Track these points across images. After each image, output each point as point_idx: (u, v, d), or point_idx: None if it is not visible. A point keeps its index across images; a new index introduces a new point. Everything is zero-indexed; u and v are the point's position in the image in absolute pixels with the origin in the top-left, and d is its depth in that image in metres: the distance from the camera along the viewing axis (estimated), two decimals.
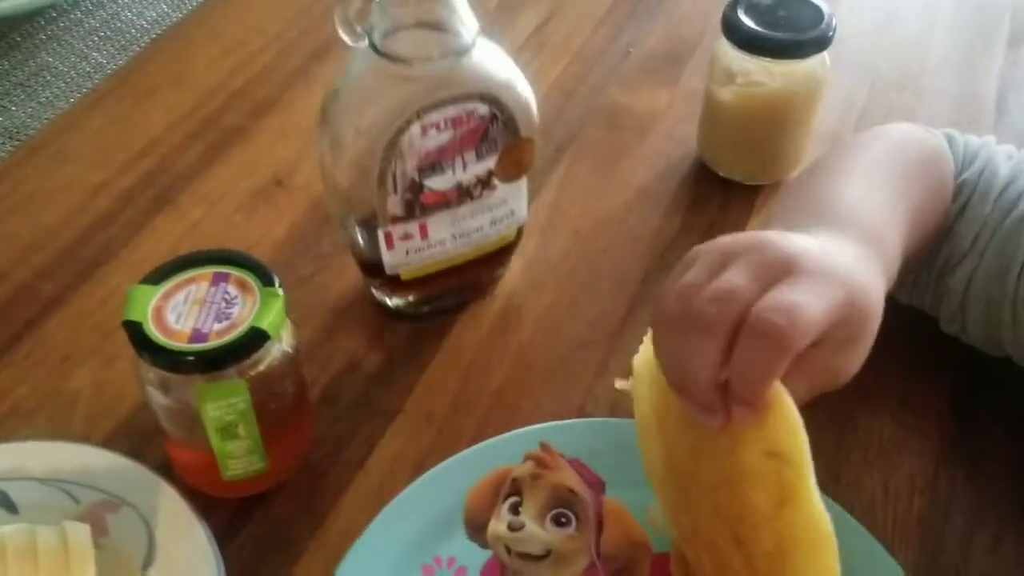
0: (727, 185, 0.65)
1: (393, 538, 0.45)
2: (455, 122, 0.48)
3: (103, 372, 0.55)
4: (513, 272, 0.60)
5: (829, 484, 0.48)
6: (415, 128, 0.47)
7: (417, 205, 0.50)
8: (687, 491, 0.39)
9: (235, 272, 0.44)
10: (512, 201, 0.54)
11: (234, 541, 0.47)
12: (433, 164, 0.49)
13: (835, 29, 0.59)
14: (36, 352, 0.56)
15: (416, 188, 0.49)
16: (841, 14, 0.61)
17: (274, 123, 0.71)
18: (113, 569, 0.43)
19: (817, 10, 0.60)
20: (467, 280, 0.57)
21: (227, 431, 0.43)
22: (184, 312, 0.43)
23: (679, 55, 0.77)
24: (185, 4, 0.82)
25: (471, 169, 0.50)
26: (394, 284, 0.54)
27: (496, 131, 0.50)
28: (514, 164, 0.52)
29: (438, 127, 0.48)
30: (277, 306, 0.43)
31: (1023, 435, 0.52)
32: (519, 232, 0.57)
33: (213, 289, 0.44)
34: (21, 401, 0.53)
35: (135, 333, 0.42)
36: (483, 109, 0.48)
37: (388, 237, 0.51)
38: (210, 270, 0.44)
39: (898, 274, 0.46)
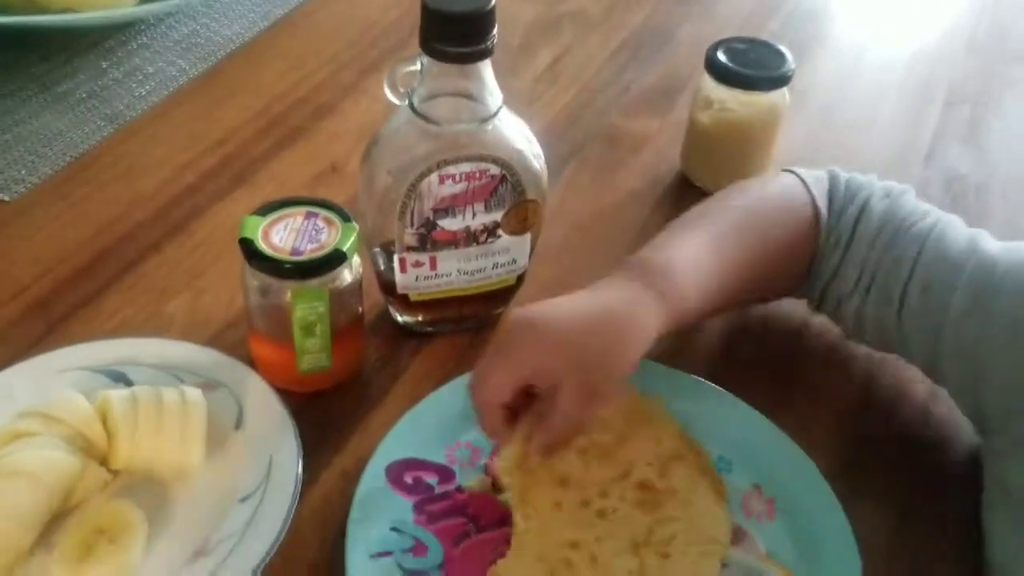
0: (701, 192, 0.79)
1: (422, 426, 0.58)
2: (469, 176, 0.57)
3: (194, 302, 0.68)
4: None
5: None
6: (434, 176, 0.57)
7: (429, 240, 0.60)
8: None
9: (322, 212, 0.58)
10: (515, 251, 0.63)
11: (301, 423, 0.59)
12: (447, 208, 0.58)
13: (793, 71, 0.74)
14: (138, 285, 0.69)
15: (430, 225, 0.59)
16: (811, 67, 0.76)
17: (330, 125, 0.85)
18: (213, 426, 0.56)
19: (781, 56, 0.75)
20: (469, 312, 0.66)
21: (308, 329, 0.57)
22: (284, 236, 0.56)
23: (671, 91, 0.92)
24: (256, 25, 0.97)
25: (479, 218, 0.60)
26: (405, 303, 0.64)
27: (505, 190, 0.59)
28: (519, 221, 0.61)
29: (454, 179, 0.57)
30: (353, 237, 0.57)
31: None
32: (519, 279, 0.66)
33: (306, 222, 0.57)
34: (128, 319, 0.66)
35: (248, 247, 0.56)
36: (495, 170, 0.58)
37: (402, 262, 0.61)
38: (304, 209, 0.58)
39: (743, 297, 0.62)
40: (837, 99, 0.94)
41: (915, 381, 0.65)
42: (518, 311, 0.54)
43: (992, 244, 0.58)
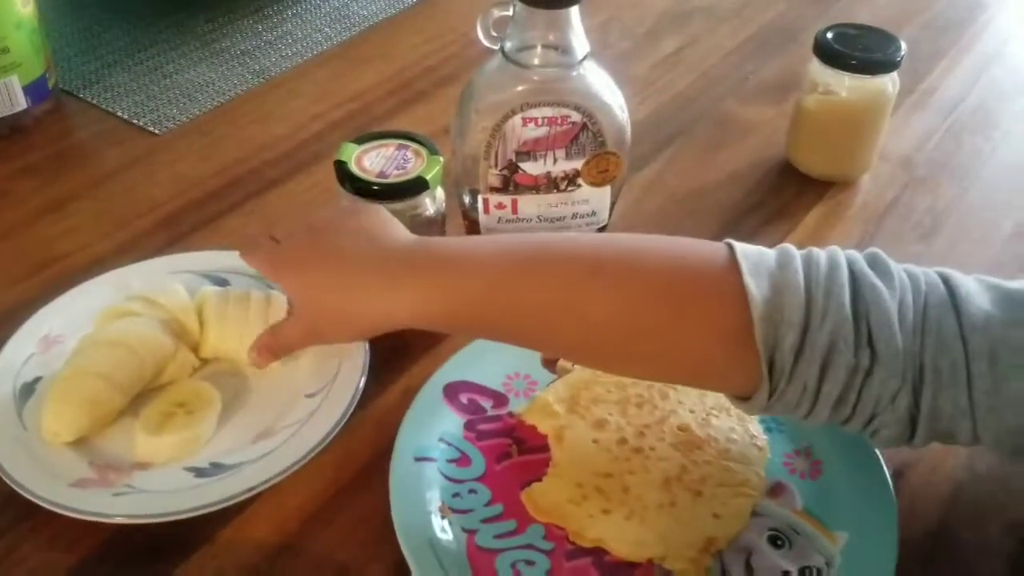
0: (803, 178, 0.80)
1: (485, 354, 0.60)
2: (551, 121, 0.60)
3: None
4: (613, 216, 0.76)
5: None
6: (517, 118, 0.60)
7: (512, 182, 0.63)
8: None
9: (413, 144, 0.63)
10: (594, 203, 0.65)
11: (374, 341, 0.64)
12: (529, 151, 0.61)
13: (903, 56, 0.73)
14: (256, 212, 0.76)
15: (512, 167, 0.62)
16: (942, 64, 0.74)
17: (453, 92, 0.89)
18: None
19: (893, 41, 0.74)
20: None
21: None
22: (375, 162, 0.61)
23: (790, 84, 0.91)
24: (397, 4, 1.03)
25: (560, 165, 0.62)
26: None
27: (586, 138, 0.61)
28: (599, 172, 0.63)
29: (536, 122, 0.60)
30: (437, 168, 0.61)
31: None
32: (601, 231, 0.67)
33: (397, 152, 0.62)
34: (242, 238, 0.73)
35: (341, 168, 0.61)
36: (575, 116, 0.60)
37: (486, 203, 0.64)
38: (397, 141, 0.63)
39: None
40: (960, 98, 0.91)
41: None
42: (318, 221, 0.57)
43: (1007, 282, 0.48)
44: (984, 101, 0.91)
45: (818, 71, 0.75)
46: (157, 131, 0.84)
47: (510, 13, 0.60)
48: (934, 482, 0.57)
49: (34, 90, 0.82)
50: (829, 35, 0.75)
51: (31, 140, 0.82)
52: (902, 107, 0.89)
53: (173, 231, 0.73)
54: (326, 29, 0.99)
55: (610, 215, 0.68)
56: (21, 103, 0.81)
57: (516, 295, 0.50)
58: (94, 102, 0.87)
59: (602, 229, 0.68)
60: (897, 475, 0.56)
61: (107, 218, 0.74)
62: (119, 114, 0.86)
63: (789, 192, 0.79)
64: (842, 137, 0.77)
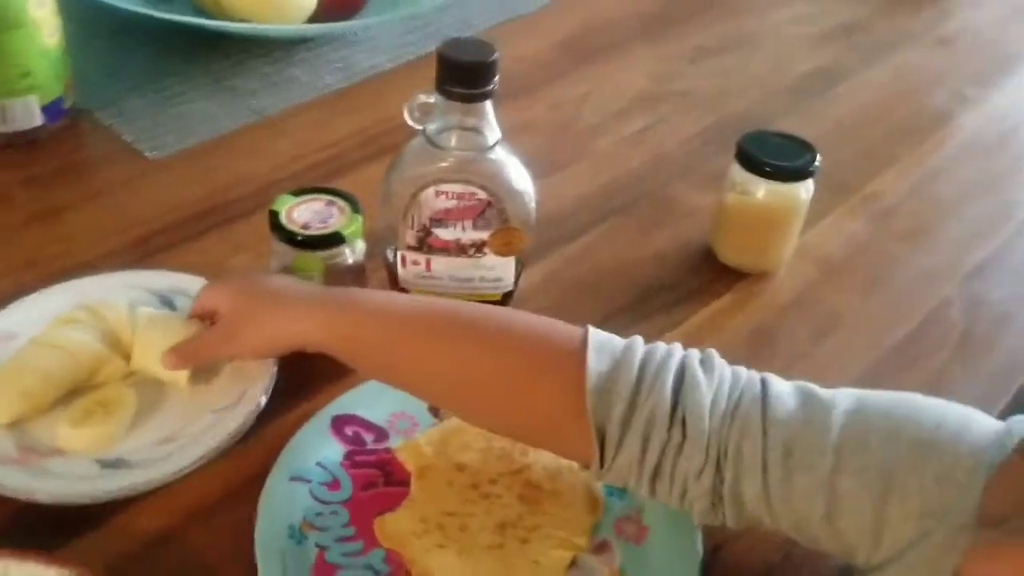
0: (721, 267, 0.86)
1: (377, 393, 0.66)
2: (460, 196, 0.68)
3: (255, 261, 0.82)
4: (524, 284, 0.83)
5: None
6: (431, 190, 0.68)
7: (426, 244, 0.71)
8: None
9: (340, 201, 0.71)
10: (500, 270, 0.73)
11: (287, 369, 0.72)
12: (441, 219, 0.69)
13: (816, 168, 0.80)
14: (222, 239, 0.84)
15: (426, 231, 0.70)
16: (893, 169, 0.87)
17: None
18: None
19: (810, 151, 0.81)
20: None
21: None
22: (303, 214, 0.70)
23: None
24: (397, 59, 1.12)
25: (469, 233, 0.70)
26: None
27: (491, 214, 0.69)
28: (504, 244, 0.71)
29: (447, 195, 0.68)
30: (356, 225, 0.69)
31: None
32: (506, 295, 0.75)
33: (324, 207, 0.71)
34: (201, 263, 0.81)
35: (273, 217, 0.70)
36: (482, 194, 0.68)
37: (403, 259, 0.72)
38: (327, 197, 0.72)
39: None
40: (899, 209, 0.97)
41: None
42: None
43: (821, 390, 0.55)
44: (920, 212, 0.97)
45: (737, 172, 0.82)
46: (153, 156, 0.94)
47: (432, 100, 0.69)
48: (748, 561, 0.63)
49: (50, 109, 0.92)
50: (750, 141, 0.81)
51: (40, 153, 0.92)
52: (839, 207, 0.95)
53: (145, 248, 0.83)
54: (327, 77, 1.09)
55: (516, 282, 0.75)
56: (37, 120, 0.92)
57: (396, 337, 0.61)
58: (106, 123, 0.97)
59: (508, 294, 0.76)
60: (716, 549, 0.62)
61: (90, 231, 0.84)
62: (124, 137, 0.96)
63: (705, 277, 0.85)
64: (756, 234, 0.84)
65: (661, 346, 0.56)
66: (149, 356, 0.67)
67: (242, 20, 1.06)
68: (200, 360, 0.68)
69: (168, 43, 1.10)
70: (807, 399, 0.54)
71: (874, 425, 0.52)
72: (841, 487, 0.51)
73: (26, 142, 0.92)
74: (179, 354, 0.66)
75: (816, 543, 0.54)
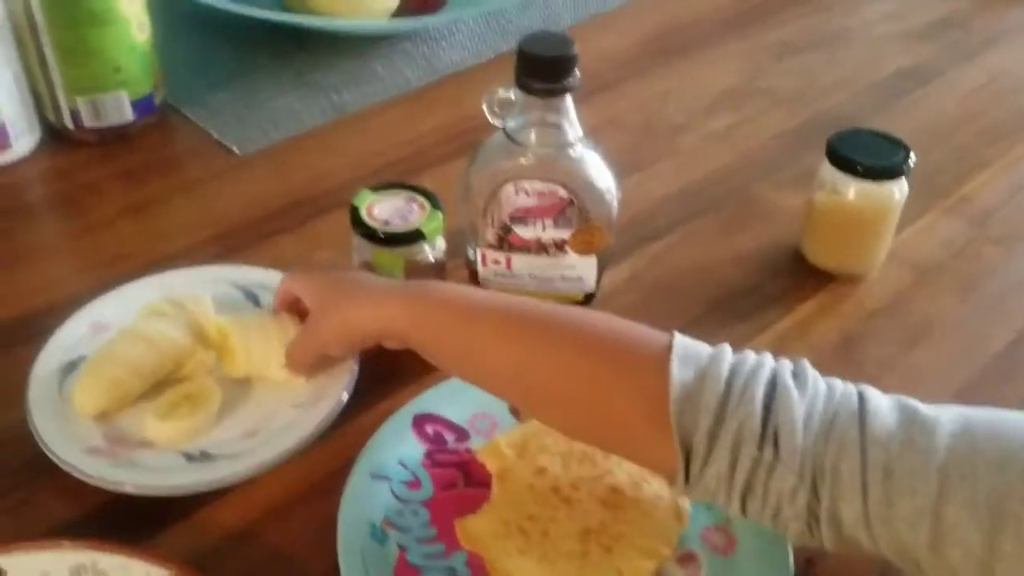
0: (809, 268, 0.83)
1: (459, 393, 0.65)
2: (539, 194, 0.68)
3: (339, 256, 0.83)
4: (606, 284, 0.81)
5: None
6: (510, 187, 0.68)
7: (506, 242, 0.71)
8: None
9: (420, 198, 0.71)
10: (581, 269, 0.72)
11: (369, 366, 0.71)
12: (521, 217, 0.69)
13: (910, 166, 0.77)
14: (306, 235, 0.85)
15: (506, 229, 0.70)
16: (985, 173, 0.82)
17: None
18: None
19: (903, 149, 0.78)
20: None
21: None
22: (384, 210, 0.70)
23: None
24: (479, 56, 1.12)
25: (549, 232, 0.70)
26: None
27: (572, 212, 0.68)
28: (584, 242, 0.70)
29: (527, 193, 0.68)
30: (436, 222, 0.69)
31: None
32: (587, 297, 0.74)
33: (404, 204, 0.71)
34: (285, 257, 0.82)
35: (353, 213, 0.69)
36: (563, 192, 0.68)
37: (483, 257, 0.72)
38: (407, 193, 0.71)
39: None
40: (996, 214, 0.93)
41: None
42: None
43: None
44: (1016, 216, 0.93)
45: (828, 171, 0.79)
46: (237, 151, 0.95)
47: (510, 95, 0.68)
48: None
49: (141, 104, 0.94)
50: (841, 139, 0.79)
51: (131, 148, 0.94)
52: (933, 210, 0.92)
53: (229, 243, 0.84)
54: (409, 74, 1.09)
55: (598, 282, 0.74)
56: (128, 115, 0.94)
57: (471, 327, 0.59)
58: (193, 119, 0.99)
59: (590, 296, 0.75)
60: (808, 564, 0.60)
61: (178, 225, 0.86)
62: (211, 132, 0.97)
63: (790, 280, 0.83)
64: (846, 235, 0.81)
65: (751, 356, 0.54)
66: (253, 360, 0.68)
67: (326, 16, 1.07)
68: (310, 360, 0.68)
69: (254, 39, 1.11)
70: (909, 417, 0.51)
71: (981, 448, 0.49)
72: (947, 515, 0.48)
73: (118, 137, 0.94)
74: (291, 363, 0.67)
75: (921, 572, 0.52)
